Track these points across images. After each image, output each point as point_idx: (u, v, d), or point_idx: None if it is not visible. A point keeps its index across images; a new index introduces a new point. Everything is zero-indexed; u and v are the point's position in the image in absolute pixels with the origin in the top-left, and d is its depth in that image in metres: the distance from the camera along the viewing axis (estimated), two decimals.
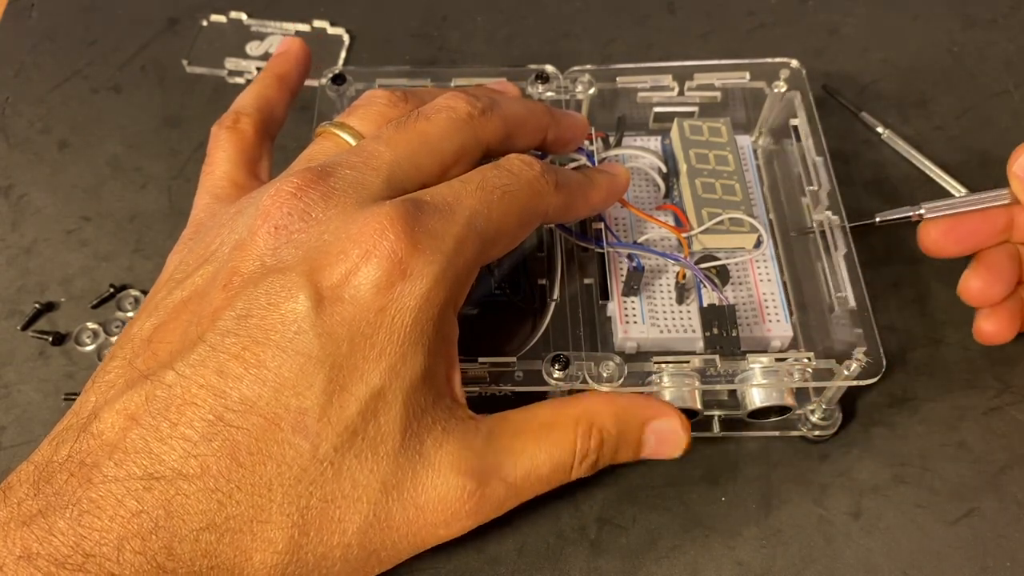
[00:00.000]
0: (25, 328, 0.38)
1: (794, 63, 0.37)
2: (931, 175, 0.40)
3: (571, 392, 0.31)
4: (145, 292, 0.38)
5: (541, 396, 0.32)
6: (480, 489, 0.25)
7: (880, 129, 0.40)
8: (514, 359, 0.30)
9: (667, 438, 0.29)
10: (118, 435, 0.23)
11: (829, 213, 0.33)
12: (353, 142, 0.29)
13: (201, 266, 0.26)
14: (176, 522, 0.22)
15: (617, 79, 0.38)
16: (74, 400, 0.36)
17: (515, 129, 0.30)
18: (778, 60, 0.37)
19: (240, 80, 0.46)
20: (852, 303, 0.31)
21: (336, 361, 0.23)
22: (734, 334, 0.33)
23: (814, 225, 0.34)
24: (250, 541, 0.23)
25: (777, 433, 0.34)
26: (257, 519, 0.23)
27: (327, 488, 0.23)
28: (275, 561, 0.23)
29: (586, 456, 0.28)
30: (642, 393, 0.30)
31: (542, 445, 0.27)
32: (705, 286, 0.33)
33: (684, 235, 0.35)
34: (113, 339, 0.37)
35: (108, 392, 0.25)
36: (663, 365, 0.30)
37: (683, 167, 0.36)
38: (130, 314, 0.38)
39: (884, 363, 0.30)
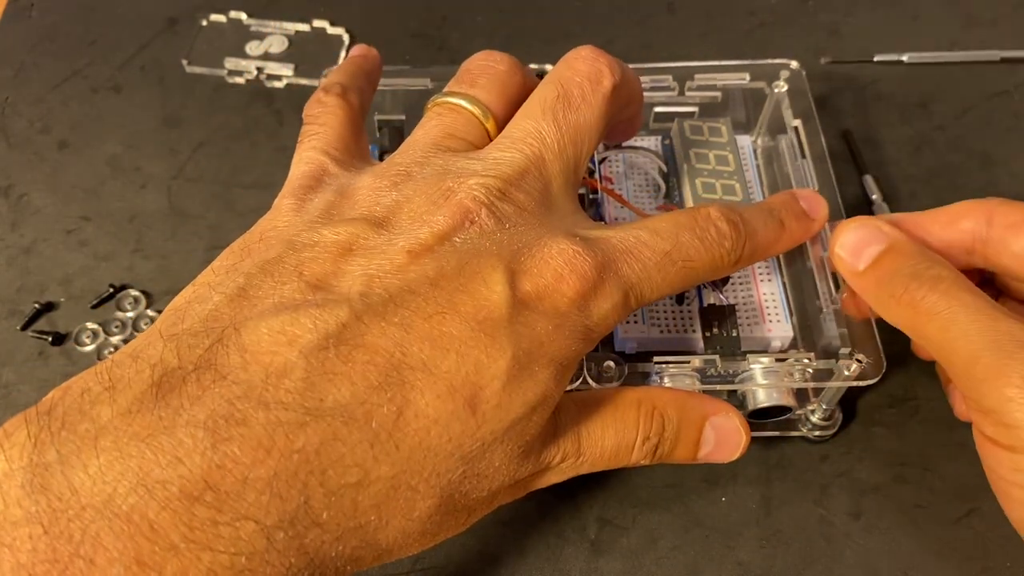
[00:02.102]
0: (25, 328, 0.38)
1: (794, 64, 0.37)
2: None
3: (570, 390, 0.31)
4: (145, 292, 0.38)
5: None
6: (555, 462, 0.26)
7: (874, 197, 0.40)
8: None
9: (728, 437, 0.29)
10: (271, 356, 0.21)
11: None
12: (484, 118, 0.28)
13: (359, 219, 0.25)
14: (329, 471, 0.20)
15: None
16: None
17: (631, 95, 0.30)
18: (778, 61, 0.37)
19: (240, 80, 0.46)
20: (839, 304, 0.31)
21: (518, 356, 0.23)
22: (734, 334, 0.33)
23: None
24: (393, 507, 0.21)
25: (777, 433, 0.34)
26: (407, 484, 0.22)
27: (471, 465, 0.23)
28: (410, 530, 0.22)
29: (648, 438, 0.27)
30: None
31: (607, 421, 0.27)
32: (705, 286, 0.33)
33: None
34: (113, 339, 0.37)
35: (248, 304, 0.22)
36: (663, 365, 0.30)
37: (683, 167, 0.36)
38: (130, 314, 0.38)
39: (884, 364, 0.30)
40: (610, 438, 0.27)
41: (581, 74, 0.28)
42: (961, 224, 0.29)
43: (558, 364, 0.24)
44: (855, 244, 0.29)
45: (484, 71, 0.29)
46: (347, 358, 0.21)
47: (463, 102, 0.29)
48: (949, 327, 0.26)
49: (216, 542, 0.18)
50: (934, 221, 0.30)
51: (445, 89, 0.30)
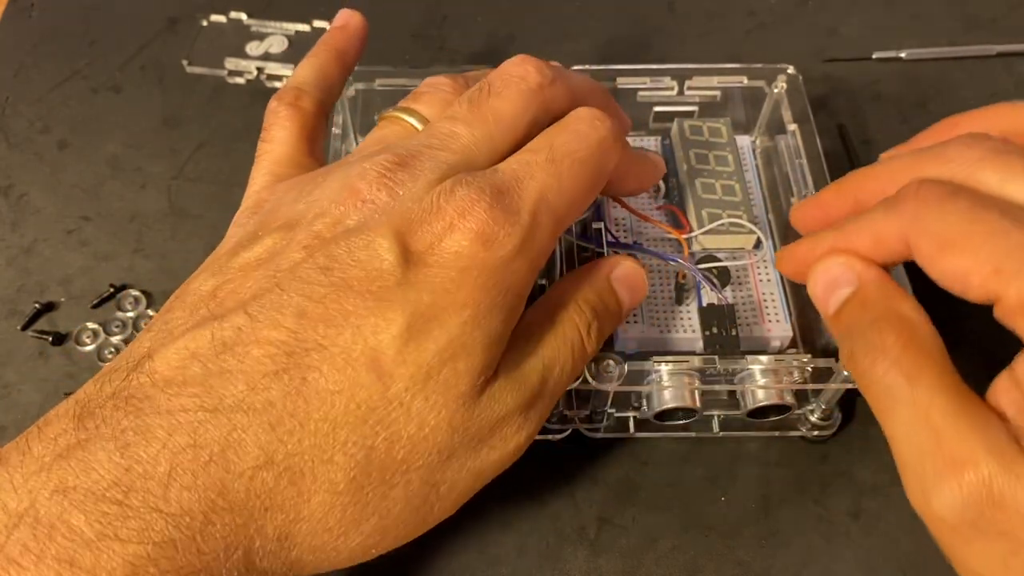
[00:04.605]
0: (25, 328, 0.38)
1: (791, 69, 0.37)
2: None
3: (570, 391, 0.31)
4: (145, 292, 0.38)
5: None
6: (530, 411, 0.26)
7: None
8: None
9: (631, 280, 0.30)
10: (175, 371, 0.22)
11: None
12: (420, 127, 0.29)
13: (273, 232, 0.26)
14: (232, 457, 0.21)
15: (617, 79, 0.38)
16: None
17: (581, 100, 0.30)
18: (776, 66, 0.37)
19: (240, 80, 0.46)
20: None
21: (417, 309, 0.23)
22: (734, 334, 0.33)
23: None
24: (311, 482, 0.22)
25: (777, 433, 0.34)
26: (319, 459, 0.22)
27: (394, 428, 0.23)
28: (334, 502, 0.23)
29: (590, 326, 0.28)
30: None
31: (556, 341, 0.27)
32: (705, 287, 0.33)
33: (684, 236, 0.35)
34: (114, 339, 0.37)
35: (166, 336, 0.24)
36: (663, 365, 0.30)
37: (683, 167, 0.36)
38: (130, 314, 0.38)
39: None
40: (567, 355, 0.27)
41: (505, 73, 0.29)
42: (884, 248, 0.25)
43: (473, 307, 0.24)
44: (825, 285, 0.26)
45: (430, 87, 0.30)
46: (242, 356, 0.22)
47: (401, 114, 0.29)
48: (891, 418, 0.23)
49: (128, 534, 0.20)
50: (859, 237, 0.26)
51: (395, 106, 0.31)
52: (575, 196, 0.27)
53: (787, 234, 0.36)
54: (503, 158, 0.27)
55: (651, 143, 0.39)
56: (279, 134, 0.31)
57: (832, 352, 0.31)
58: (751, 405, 0.32)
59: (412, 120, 0.29)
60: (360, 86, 0.37)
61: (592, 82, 0.32)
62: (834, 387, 0.31)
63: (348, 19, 0.35)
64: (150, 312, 0.38)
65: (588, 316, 0.28)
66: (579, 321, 0.28)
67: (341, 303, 0.23)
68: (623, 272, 0.30)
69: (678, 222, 0.35)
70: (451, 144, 0.27)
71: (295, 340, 0.23)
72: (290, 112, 0.31)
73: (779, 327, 0.33)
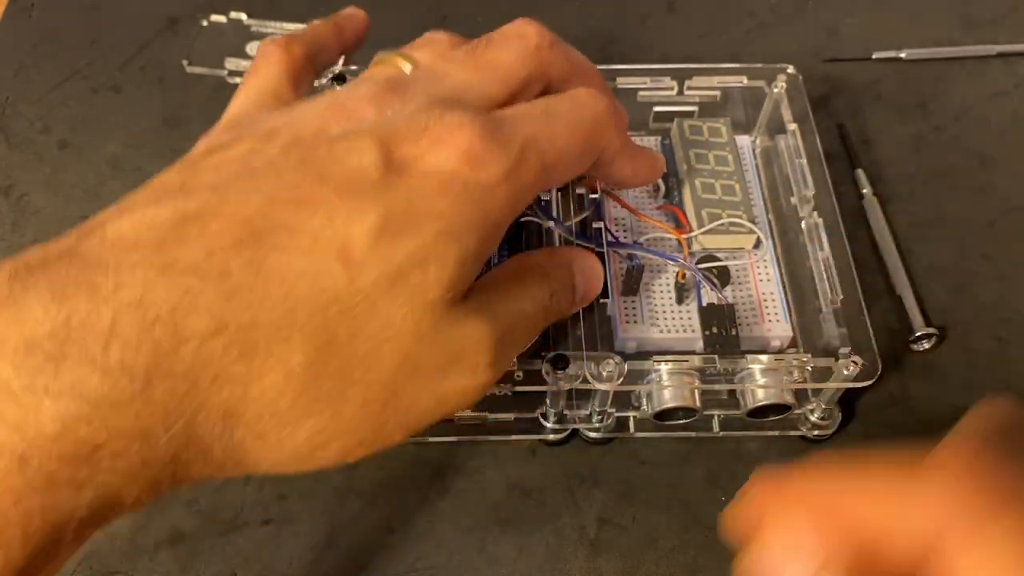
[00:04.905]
0: None
1: (791, 69, 0.37)
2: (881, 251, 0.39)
3: (570, 391, 0.31)
4: None
5: (541, 396, 0.33)
6: (497, 350, 0.25)
7: (865, 191, 0.40)
8: (514, 359, 0.30)
9: (589, 273, 0.30)
10: (128, 234, 0.21)
11: (816, 215, 0.34)
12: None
13: (250, 139, 0.25)
14: (180, 320, 0.20)
15: (617, 79, 0.38)
16: None
17: (578, 71, 0.30)
18: (776, 66, 0.38)
19: (240, 80, 0.46)
20: (838, 304, 0.31)
21: (393, 210, 0.23)
22: (734, 334, 0.33)
23: (803, 227, 0.34)
24: (264, 359, 0.21)
25: (776, 433, 0.34)
26: (276, 337, 0.21)
27: (357, 322, 0.22)
28: (287, 386, 0.21)
29: (552, 295, 0.28)
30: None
31: (524, 294, 0.27)
32: (705, 286, 0.33)
33: (684, 236, 0.35)
34: None
35: (123, 210, 0.22)
36: (663, 364, 0.30)
37: (683, 167, 0.36)
38: None
39: (880, 365, 0.30)
40: (527, 301, 0.27)
41: (506, 31, 0.29)
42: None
43: (449, 219, 0.23)
44: None
45: (426, 39, 0.30)
46: (202, 228, 0.21)
47: (396, 57, 0.29)
48: None
49: (60, 388, 0.19)
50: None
51: None
52: (566, 152, 0.27)
53: (787, 234, 0.36)
54: (496, 108, 0.27)
55: (651, 143, 0.39)
56: (267, 68, 0.30)
57: (832, 352, 0.31)
58: (751, 405, 0.32)
59: (405, 64, 0.28)
60: None
61: (592, 65, 0.31)
62: (834, 386, 0.31)
63: (355, 11, 0.36)
64: None
65: (552, 285, 0.28)
66: (543, 285, 0.28)
67: (314, 191, 0.22)
68: (584, 263, 0.30)
69: (678, 222, 0.35)
70: (444, 80, 0.27)
71: (262, 218, 0.22)
72: (280, 51, 0.31)
73: (779, 327, 0.33)
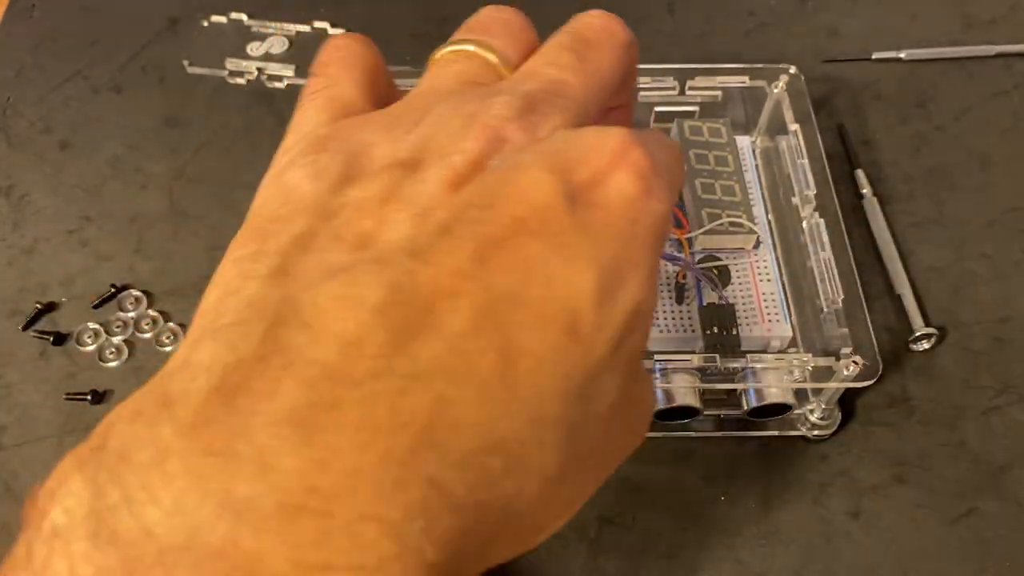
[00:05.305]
0: (26, 328, 0.38)
1: (792, 69, 0.37)
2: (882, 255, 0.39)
3: None
4: (146, 292, 0.38)
5: None
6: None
7: (864, 191, 0.40)
8: None
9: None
10: (340, 323, 0.17)
11: (817, 215, 0.34)
12: (503, 68, 0.25)
13: (382, 170, 0.21)
14: (446, 440, 0.16)
15: None
16: (76, 399, 0.36)
17: (632, 69, 0.27)
18: (778, 66, 0.38)
19: (241, 80, 0.46)
20: (839, 304, 0.32)
21: (602, 263, 0.19)
22: (734, 333, 0.33)
23: (805, 227, 0.34)
24: (526, 469, 0.17)
25: (776, 433, 0.34)
26: (533, 439, 0.18)
27: (592, 406, 0.19)
28: (550, 495, 0.18)
29: None
30: None
31: None
32: (705, 286, 0.33)
33: (684, 236, 0.35)
34: (115, 339, 0.37)
35: (295, 281, 0.18)
36: (663, 363, 0.30)
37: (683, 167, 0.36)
38: (131, 314, 0.38)
39: (880, 365, 0.30)
40: None
41: (594, 25, 0.26)
42: None
43: (646, 267, 0.20)
44: None
45: (495, 21, 0.26)
46: (431, 309, 0.17)
47: (477, 48, 0.25)
48: None
49: (334, 557, 0.15)
50: None
51: (450, 40, 0.26)
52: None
53: (787, 234, 0.36)
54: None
55: None
56: (339, 72, 0.25)
57: (832, 352, 0.31)
58: (751, 405, 0.32)
59: (488, 55, 0.25)
60: None
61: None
62: (834, 386, 0.31)
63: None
64: (151, 312, 0.38)
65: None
66: None
67: (518, 245, 0.19)
68: None
69: (678, 222, 0.35)
70: (568, 93, 0.23)
71: (483, 291, 0.18)
72: (356, 48, 0.25)
73: (779, 327, 0.33)
